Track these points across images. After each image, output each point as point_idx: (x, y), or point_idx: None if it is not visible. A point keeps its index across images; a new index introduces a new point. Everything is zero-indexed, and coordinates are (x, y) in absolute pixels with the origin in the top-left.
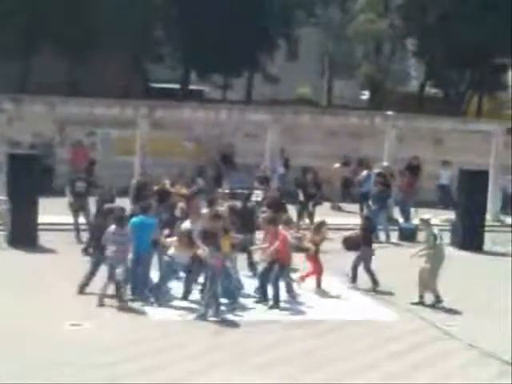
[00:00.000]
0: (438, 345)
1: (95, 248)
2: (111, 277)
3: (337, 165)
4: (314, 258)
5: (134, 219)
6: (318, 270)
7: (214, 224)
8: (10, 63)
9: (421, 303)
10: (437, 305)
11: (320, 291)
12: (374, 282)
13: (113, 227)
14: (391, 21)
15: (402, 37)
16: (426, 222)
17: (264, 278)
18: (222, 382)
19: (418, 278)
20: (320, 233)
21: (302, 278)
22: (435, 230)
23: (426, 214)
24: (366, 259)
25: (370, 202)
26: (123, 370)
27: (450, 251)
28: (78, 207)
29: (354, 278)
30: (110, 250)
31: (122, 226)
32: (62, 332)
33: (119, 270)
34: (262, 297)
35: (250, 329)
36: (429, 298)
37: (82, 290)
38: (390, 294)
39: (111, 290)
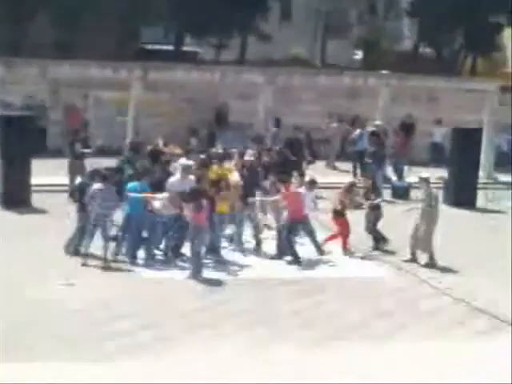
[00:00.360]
0: (430, 301)
1: (81, 210)
2: (91, 235)
3: (334, 124)
4: (341, 219)
5: (130, 185)
6: (344, 232)
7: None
8: (3, 27)
9: (413, 260)
10: (431, 265)
11: (347, 253)
12: (383, 239)
13: (99, 184)
14: None
15: None
16: (425, 181)
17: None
18: (205, 343)
19: (411, 235)
20: (349, 194)
21: (326, 240)
22: (433, 190)
23: (419, 172)
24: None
25: (367, 160)
26: (115, 328)
27: (443, 208)
28: (76, 169)
29: (384, 238)
30: (95, 210)
31: (108, 182)
32: (53, 290)
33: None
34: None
35: (244, 287)
36: (422, 257)
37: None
38: (385, 251)
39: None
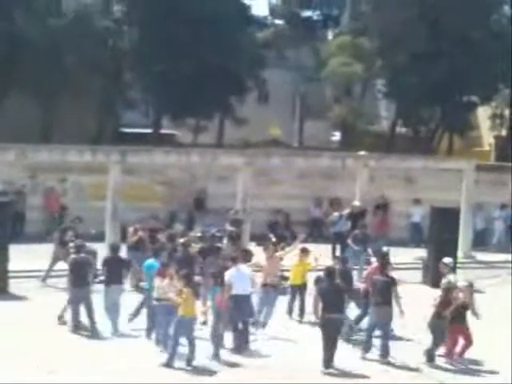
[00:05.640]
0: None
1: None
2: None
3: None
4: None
5: (148, 263)
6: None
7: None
8: None
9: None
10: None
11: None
12: None
13: None
14: (366, 63)
15: (374, 77)
16: (446, 266)
17: None
18: None
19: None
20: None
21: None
22: (453, 276)
23: (398, 252)
24: None
25: (350, 242)
26: None
27: (422, 289)
28: (60, 255)
29: None
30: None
31: None
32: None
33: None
34: None
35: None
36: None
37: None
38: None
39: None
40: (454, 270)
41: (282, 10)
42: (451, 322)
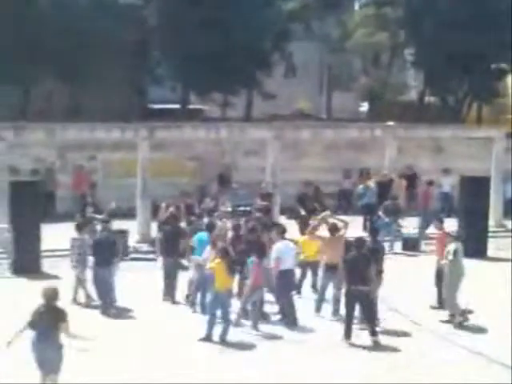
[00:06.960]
0: (441, 353)
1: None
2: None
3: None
4: None
5: (199, 235)
6: None
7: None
8: (10, 90)
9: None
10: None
11: None
12: None
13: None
14: (391, 33)
15: (400, 47)
16: (448, 234)
17: None
18: None
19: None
20: None
21: None
22: (456, 243)
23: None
24: None
25: (381, 213)
26: None
27: None
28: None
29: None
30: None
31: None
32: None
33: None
34: None
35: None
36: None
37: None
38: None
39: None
40: (457, 239)
41: None
42: None
